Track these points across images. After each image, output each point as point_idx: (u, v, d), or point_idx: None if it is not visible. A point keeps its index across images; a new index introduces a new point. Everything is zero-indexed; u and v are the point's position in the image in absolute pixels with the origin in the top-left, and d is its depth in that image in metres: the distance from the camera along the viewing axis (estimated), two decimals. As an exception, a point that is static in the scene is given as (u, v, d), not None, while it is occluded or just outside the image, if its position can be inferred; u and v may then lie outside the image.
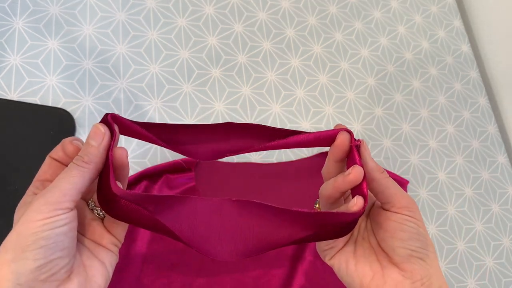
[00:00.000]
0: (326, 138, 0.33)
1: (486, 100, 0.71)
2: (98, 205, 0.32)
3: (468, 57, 0.73)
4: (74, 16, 0.55)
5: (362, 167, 0.31)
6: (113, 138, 0.30)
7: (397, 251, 0.31)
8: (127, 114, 0.53)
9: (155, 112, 0.54)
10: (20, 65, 0.51)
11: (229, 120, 0.56)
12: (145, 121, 0.53)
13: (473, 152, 0.66)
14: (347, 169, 0.32)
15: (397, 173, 0.60)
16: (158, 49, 0.57)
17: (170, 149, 0.33)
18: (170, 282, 0.47)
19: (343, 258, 0.33)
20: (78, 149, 0.31)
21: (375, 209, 0.34)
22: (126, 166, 0.31)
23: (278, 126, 0.58)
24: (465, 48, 0.73)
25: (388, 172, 0.58)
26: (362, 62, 0.66)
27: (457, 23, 0.75)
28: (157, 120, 0.54)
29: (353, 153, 0.31)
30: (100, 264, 0.30)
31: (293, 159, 0.56)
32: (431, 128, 0.66)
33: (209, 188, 0.51)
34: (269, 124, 0.58)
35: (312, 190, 0.55)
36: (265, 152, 0.56)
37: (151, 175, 0.50)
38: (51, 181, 0.30)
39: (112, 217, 0.30)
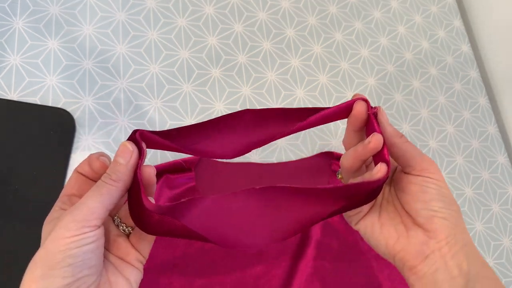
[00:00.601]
0: (344, 110, 0.33)
1: (486, 100, 0.71)
2: (124, 221, 0.32)
3: (468, 57, 0.73)
4: (74, 16, 0.55)
5: (381, 134, 0.31)
6: (141, 156, 0.30)
7: (420, 213, 0.31)
8: (127, 114, 0.53)
9: (155, 112, 0.54)
10: (20, 65, 0.51)
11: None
12: (145, 121, 0.53)
13: (473, 152, 0.66)
14: (367, 137, 0.32)
15: (397, 173, 0.60)
16: (158, 49, 0.57)
17: (198, 155, 0.33)
18: (170, 282, 0.47)
19: (368, 222, 0.34)
20: (104, 165, 0.31)
21: (397, 174, 0.34)
22: (153, 184, 0.32)
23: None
24: (465, 48, 0.73)
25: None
26: (362, 62, 0.66)
27: (457, 23, 0.75)
28: (157, 120, 0.54)
29: (371, 121, 0.32)
30: (125, 281, 0.30)
31: (293, 159, 0.56)
32: (431, 128, 0.66)
33: (209, 188, 0.51)
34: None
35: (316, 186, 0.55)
36: (265, 151, 0.56)
37: (151, 175, 0.50)
38: (78, 196, 0.31)
39: (147, 233, 0.30)
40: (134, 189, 0.30)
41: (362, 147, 0.32)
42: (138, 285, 0.31)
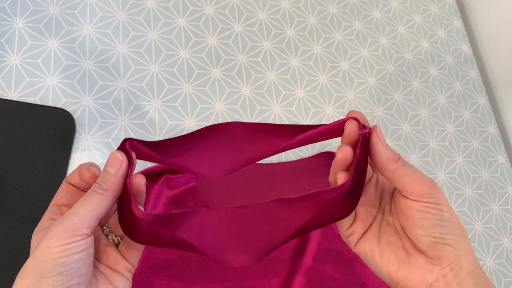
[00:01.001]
0: (335, 129, 0.32)
1: (486, 100, 0.71)
2: (113, 231, 0.33)
3: (468, 57, 0.73)
4: (74, 16, 0.55)
5: (359, 153, 0.30)
6: (130, 166, 0.30)
7: (421, 239, 0.30)
8: (127, 114, 0.53)
9: (155, 112, 0.54)
10: (20, 65, 0.51)
11: (229, 121, 0.56)
12: (145, 122, 0.53)
13: (473, 152, 0.66)
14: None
15: (397, 173, 0.60)
16: (158, 49, 0.57)
17: (186, 172, 0.33)
18: (170, 282, 0.47)
19: (367, 246, 0.32)
20: (94, 176, 0.31)
21: (396, 195, 0.32)
22: (143, 194, 0.32)
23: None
24: (465, 48, 0.73)
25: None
26: (362, 62, 0.66)
27: (457, 23, 0.75)
28: (157, 120, 0.54)
29: (358, 143, 0.30)
30: None
31: (293, 158, 0.56)
32: (431, 128, 0.66)
33: (209, 188, 0.51)
34: (269, 124, 0.57)
35: (313, 190, 0.55)
36: (265, 152, 0.56)
37: (151, 175, 0.50)
38: (67, 206, 0.31)
39: (136, 241, 0.31)
40: (124, 198, 0.30)
41: (333, 162, 0.31)
42: None
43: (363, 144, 0.30)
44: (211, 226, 0.31)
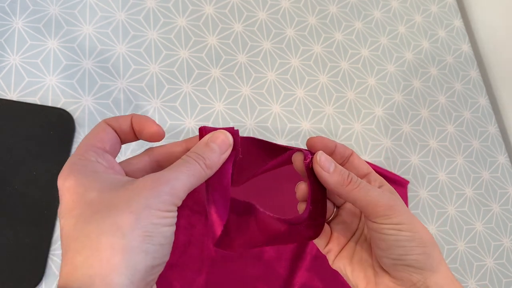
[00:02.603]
0: (286, 161, 0.31)
1: (487, 100, 0.71)
2: None
3: (468, 57, 0.73)
4: (74, 16, 0.55)
5: (308, 185, 0.30)
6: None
7: (383, 261, 0.29)
8: (127, 113, 0.53)
9: (155, 112, 0.54)
10: (20, 65, 0.51)
11: (229, 121, 0.56)
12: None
13: (473, 152, 0.66)
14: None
15: (397, 173, 0.60)
16: (158, 49, 0.57)
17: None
18: (170, 282, 0.47)
19: (341, 263, 0.32)
20: (161, 133, 0.27)
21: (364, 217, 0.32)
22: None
23: (278, 126, 0.58)
24: (466, 48, 0.73)
25: (388, 172, 0.58)
26: (362, 62, 0.66)
27: (458, 23, 0.75)
28: (157, 120, 0.53)
29: (307, 175, 0.30)
30: None
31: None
32: (432, 128, 0.65)
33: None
34: (269, 125, 0.57)
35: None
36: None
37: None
38: (110, 153, 0.27)
39: None
40: None
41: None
42: None
43: (312, 174, 0.30)
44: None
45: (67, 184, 0.23)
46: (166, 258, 0.23)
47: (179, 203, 0.24)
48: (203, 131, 0.28)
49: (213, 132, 0.27)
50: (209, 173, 0.26)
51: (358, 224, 0.33)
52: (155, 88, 0.55)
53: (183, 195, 0.24)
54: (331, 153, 0.32)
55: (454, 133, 0.66)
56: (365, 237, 0.33)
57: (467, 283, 0.58)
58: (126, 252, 0.21)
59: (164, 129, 0.53)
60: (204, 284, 0.47)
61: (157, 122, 0.28)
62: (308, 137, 0.58)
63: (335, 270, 0.52)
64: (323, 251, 0.34)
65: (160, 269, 0.23)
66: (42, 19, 0.54)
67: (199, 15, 0.61)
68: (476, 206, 0.63)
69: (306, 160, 0.30)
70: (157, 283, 0.47)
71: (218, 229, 0.26)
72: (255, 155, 0.32)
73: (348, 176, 0.29)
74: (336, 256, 0.33)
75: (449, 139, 0.66)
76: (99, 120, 0.51)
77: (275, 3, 0.65)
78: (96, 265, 0.20)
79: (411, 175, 0.61)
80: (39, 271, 0.44)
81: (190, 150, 0.27)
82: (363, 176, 0.32)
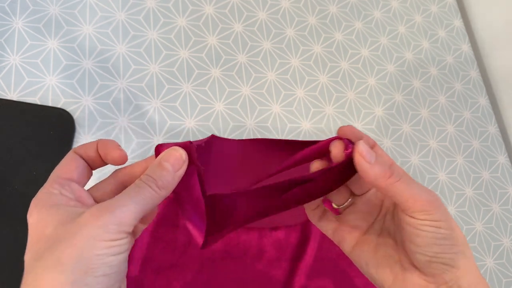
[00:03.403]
0: (322, 150, 0.30)
1: (487, 100, 0.71)
2: None
3: (468, 57, 0.73)
4: (74, 16, 0.55)
5: (337, 167, 0.29)
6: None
7: (416, 257, 0.28)
8: (127, 114, 0.53)
9: (155, 112, 0.54)
10: (20, 65, 0.51)
11: (229, 121, 0.56)
12: (144, 122, 0.53)
13: (473, 152, 0.66)
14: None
15: (397, 173, 0.60)
16: (158, 49, 0.57)
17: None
18: (170, 282, 0.47)
19: (362, 256, 0.31)
20: (123, 159, 0.28)
21: (396, 208, 0.31)
22: None
23: (278, 126, 0.58)
24: (466, 48, 0.73)
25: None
26: (362, 62, 0.66)
27: (458, 23, 0.75)
28: (157, 120, 0.53)
29: (347, 165, 0.29)
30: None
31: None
32: (431, 128, 0.65)
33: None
34: (269, 125, 0.57)
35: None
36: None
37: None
38: (77, 182, 0.27)
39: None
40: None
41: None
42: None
43: (347, 165, 0.29)
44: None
45: (31, 220, 0.25)
46: (116, 286, 0.23)
47: (129, 229, 0.24)
48: (159, 149, 0.28)
49: (166, 151, 0.27)
50: (164, 193, 0.26)
51: (377, 217, 0.32)
52: (155, 88, 0.55)
53: (133, 222, 0.24)
54: None
55: (454, 133, 0.66)
56: (387, 232, 0.32)
57: (467, 283, 0.58)
58: (70, 285, 0.21)
59: (164, 129, 0.53)
60: (204, 284, 0.47)
61: (121, 146, 0.28)
62: (308, 138, 0.58)
63: (335, 270, 0.52)
64: (334, 239, 0.33)
65: None
66: (42, 19, 0.54)
67: (199, 15, 0.61)
68: (476, 206, 0.63)
69: (347, 150, 0.28)
70: (157, 283, 0.47)
71: (200, 240, 0.27)
72: (269, 156, 0.32)
73: (389, 168, 0.28)
74: (354, 246, 0.32)
75: (449, 139, 0.66)
76: (99, 120, 0.51)
77: (275, 3, 0.65)
78: None
79: (411, 175, 0.61)
80: (39, 271, 0.44)
81: (145, 172, 0.27)
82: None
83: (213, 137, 0.32)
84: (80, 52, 0.54)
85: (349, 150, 0.28)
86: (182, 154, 0.27)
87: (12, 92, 0.50)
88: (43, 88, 0.51)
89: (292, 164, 0.32)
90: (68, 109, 0.50)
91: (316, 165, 0.30)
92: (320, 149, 0.30)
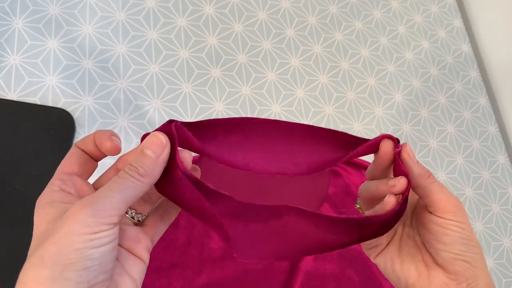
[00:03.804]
0: (371, 147, 0.32)
1: (487, 100, 0.71)
2: (133, 207, 0.30)
3: (468, 57, 0.73)
4: (74, 16, 0.55)
5: (407, 174, 0.30)
6: (175, 146, 0.27)
7: (441, 254, 0.31)
8: (127, 114, 0.53)
9: (155, 112, 0.54)
10: (20, 65, 0.51)
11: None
12: (144, 122, 0.53)
13: (473, 152, 0.66)
14: (394, 175, 0.32)
15: (397, 173, 0.60)
16: (158, 49, 0.57)
17: (221, 163, 0.31)
18: (170, 282, 0.47)
19: (388, 257, 0.33)
20: (116, 148, 0.28)
21: (420, 210, 0.33)
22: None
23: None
24: (466, 48, 0.73)
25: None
26: (362, 62, 0.66)
27: (458, 23, 0.75)
28: (157, 120, 0.53)
29: (398, 161, 0.31)
30: (131, 280, 0.27)
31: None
32: (432, 128, 0.65)
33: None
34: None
35: (317, 189, 0.55)
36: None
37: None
38: (79, 175, 0.28)
39: (160, 190, 0.28)
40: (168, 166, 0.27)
41: (386, 187, 0.31)
42: (142, 281, 0.28)
43: (399, 164, 0.31)
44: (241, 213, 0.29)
45: (34, 220, 0.26)
46: (98, 280, 0.24)
47: (110, 220, 0.24)
48: (144, 137, 0.28)
49: (147, 138, 0.27)
50: (148, 180, 0.26)
51: (399, 223, 0.34)
52: (155, 88, 0.55)
53: (115, 212, 0.24)
54: None
55: (454, 133, 0.66)
56: (407, 235, 0.34)
57: (467, 283, 0.58)
58: (48, 282, 0.22)
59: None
60: (204, 284, 0.47)
61: (116, 134, 0.29)
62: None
63: (335, 270, 0.52)
64: (368, 246, 0.34)
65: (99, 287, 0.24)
66: (42, 19, 0.54)
67: (199, 15, 0.61)
68: (476, 206, 0.63)
69: (397, 148, 0.31)
70: (157, 283, 0.47)
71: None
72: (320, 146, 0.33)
73: (427, 170, 0.32)
74: (383, 250, 0.34)
75: (449, 139, 0.66)
76: (99, 120, 0.51)
77: (275, 3, 0.65)
78: None
79: (411, 175, 0.61)
80: (39, 271, 0.44)
81: (129, 162, 0.27)
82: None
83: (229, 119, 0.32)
84: (80, 52, 0.54)
85: (399, 149, 0.31)
86: (162, 138, 0.27)
87: (12, 92, 0.50)
88: (43, 88, 0.51)
89: (347, 159, 0.33)
90: (68, 109, 0.50)
91: (392, 199, 0.31)
92: (369, 147, 0.32)
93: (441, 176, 0.63)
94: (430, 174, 0.31)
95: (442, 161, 0.64)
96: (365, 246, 0.35)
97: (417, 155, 0.63)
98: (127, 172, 0.26)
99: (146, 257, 0.29)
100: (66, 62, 0.53)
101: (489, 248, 0.61)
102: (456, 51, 0.73)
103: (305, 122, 0.59)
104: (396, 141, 0.31)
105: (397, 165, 0.31)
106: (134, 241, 0.29)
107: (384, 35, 0.69)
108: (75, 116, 0.51)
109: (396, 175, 0.31)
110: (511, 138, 0.71)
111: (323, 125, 0.60)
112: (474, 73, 0.72)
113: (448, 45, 0.72)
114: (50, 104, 0.50)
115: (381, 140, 0.32)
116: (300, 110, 0.60)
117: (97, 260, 0.23)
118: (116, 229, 0.25)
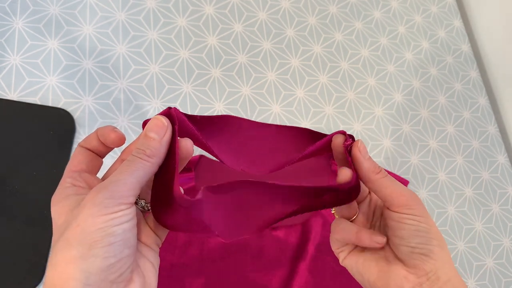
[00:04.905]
0: (328, 142, 0.34)
1: (486, 100, 0.71)
2: (143, 197, 0.31)
3: (468, 57, 0.73)
4: (74, 16, 0.55)
5: (351, 167, 0.32)
6: (175, 133, 0.29)
7: (400, 249, 0.31)
8: (127, 114, 0.53)
9: (155, 112, 0.54)
10: (20, 65, 0.51)
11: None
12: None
13: (473, 152, 0.66)
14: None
15: (397, 173, 0.60)
16: (158, 49, 0.57)
17: (216, 158, 0.32)
18: (170, 282, 0.47)
19: (353, 258, 0.34)
20: (121, 138, 0.30)
21: (384, 208, 0.34)
22: (190, 157, 0.30)
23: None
24: (465, 48, 0.73)
25: (388, 172, 0.58)
26: (362, 62, 0.66)
27: (457, 23, 0.75)
28: (157, 120, 0.53)
29: (347, 155, 0.32)
30: (151, 265, 0.29)
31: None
32: (431, 128, 0.65)
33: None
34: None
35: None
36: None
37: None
38: (88, 171, 0.30)
39: (160, 222, 0.29)
40: (167, 171, 0.28)
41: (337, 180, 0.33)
42: (158, 266, 0.30)
43: (347, 158, 0.32)
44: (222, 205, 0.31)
45: (52, 215, 0.28)
46: (124, 254, 0.25)
47: (127, 200, 0.26)
48: (145, 123, 0.29)
49: (149, 122, 0.29)
50: (155, 160, 0.28)
51: (369, 227, 0.35)
52: (155, 88, 0.55)
53: (130, 192, 0.26)
54: None
55: (454, 133, 0.66)
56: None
57: (466, 283, 0.58)
58: (77, 261, 0.24)
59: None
60: (204, 284, 0.48)
61: (117, 128, 0.30)
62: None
63: (335, 270, 0.52)
64: (337, 250, 0.35)
65: (122, 265, 0.25)
66: (42, 19, 0.54)
67: (199, 15, 0.61)
68: (476, 206, 0.63)
69: (346, 142, 0.32)
70: (157, 283, 0.47)
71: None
72: (288, 143, 0.34)
73: (378, 166, 0.32)
74: (350, 252, 0.34)
75: (449, 139, 0.66)
76: (99, 120, 0.51)
77: (275, 3, 0.65)
78: (56, 277, 0.24)
79: (411, 175, 0.61)
80: (39, 271, 0.44)
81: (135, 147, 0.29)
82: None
83: (227, 116, 0.34)
84: (80, 52, 0.54)
85: (348, 143, 0.32)
86: (163, 120, 0.28)
87: (12, 92, 0.50)
88: (43, 88, 0.51)
89: (303, 157, 0.34)
90: (68, 109, 0.50)
91: (345, 172, 0.32)
92: (326, 143, 0.33)
93: (441, 176, 0.63)
94: (380, 170, 0.32)
95: (442, 161, 0.64)
96: (335, 248, 0.36)
97: (417, 155, 0.63)
98: (135, 155, 0.28)
99: (156, 249, 0.30)
100: (66, 62, 0.53)
101: (489, 248, 0.61)
102: (456, 51, 0.73)
103: (305, 122, 0.59)
104: (346, 135, 0.33)
105: (347, 159, 0.32)
106: (145, 233, 0.30)
107: (384, 35, 0.69)
108: (75, 116, 0.51)
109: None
110: (511, 138, 0.71)
111: (322, 124, 0.60)
112: (474, 73, 0.72)
113: (448, 45, 0.73)
114: (50, 104, 0.50)
115: (332, 136, 0.33)
116: (300, 110, 0.60)
117: (119, 236, 0.25)
118: (134, 208, 0.26)
